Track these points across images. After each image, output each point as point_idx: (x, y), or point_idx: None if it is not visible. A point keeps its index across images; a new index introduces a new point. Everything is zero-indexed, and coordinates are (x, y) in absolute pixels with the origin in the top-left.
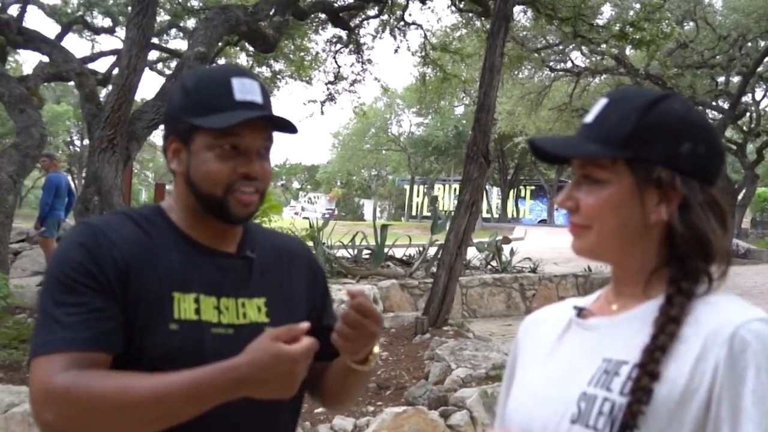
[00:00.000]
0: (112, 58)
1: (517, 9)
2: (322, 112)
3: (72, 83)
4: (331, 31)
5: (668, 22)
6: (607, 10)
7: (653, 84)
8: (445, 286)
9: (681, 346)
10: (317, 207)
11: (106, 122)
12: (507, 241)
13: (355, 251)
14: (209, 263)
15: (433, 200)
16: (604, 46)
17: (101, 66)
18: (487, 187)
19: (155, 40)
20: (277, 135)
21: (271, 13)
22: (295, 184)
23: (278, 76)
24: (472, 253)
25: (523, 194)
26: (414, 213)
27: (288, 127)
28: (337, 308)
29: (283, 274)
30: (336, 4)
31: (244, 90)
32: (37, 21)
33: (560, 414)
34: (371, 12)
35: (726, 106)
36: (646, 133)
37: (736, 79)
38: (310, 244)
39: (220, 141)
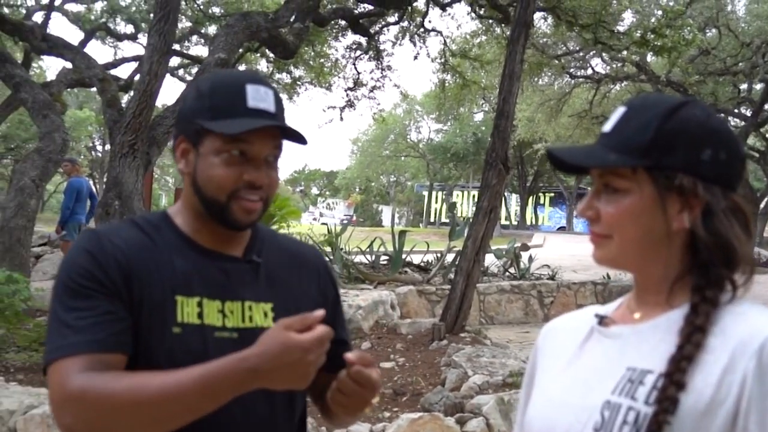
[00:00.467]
0: (134, 65)
1: (538, 16)
2: (342, 119)
3: (94, 89)
4: (351, 37)
5: (690, 29)
6: (628, 17)
7: (675, 91)
8: (463, 293)
9: (707, 357)
10: (335, 213)
11: (127, 127)
12: (525, 248)
13: (373, 257)
14: (214, 267)
15: (452, 207)
16: (625, 52)
17: (123, 72)
18: (506, 194)
19: (176, 47)
20: (294, 142)
21: (291, 20)
22: (314, 190)
23: (298, 83)
24: (490, 259)
25: (542, 201)
26: (432, 219)
27: (298, 137)
28: (354, 313)
29: (293, 279)
30: (356, 11)
31: (258, 97)
32: (61, 28)
33: (583, 422)
34: (391, 19)
35: (749, 113)
36: (667, 140)
37: (759, 86)
38: (328, 249)
39: (229, 146)
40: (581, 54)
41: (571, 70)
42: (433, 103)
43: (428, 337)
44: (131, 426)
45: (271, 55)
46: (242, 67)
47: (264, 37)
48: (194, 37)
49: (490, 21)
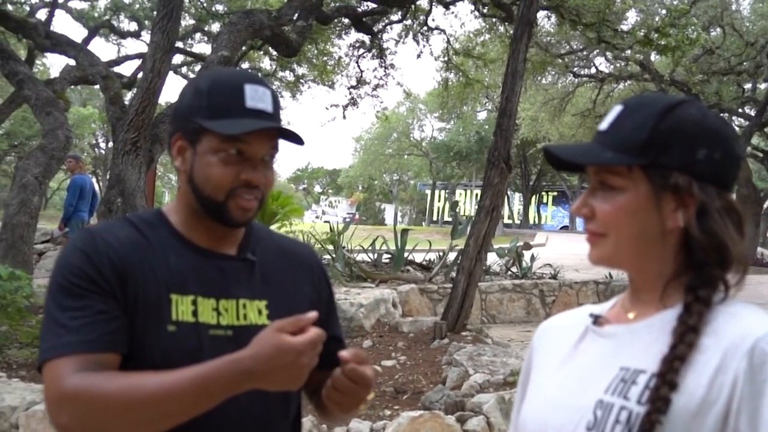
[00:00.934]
0: (137, 62)
1: (541, 14)
2: (345, 117)
3: (98, 86)
4: (354, 35)
5: (694, 28)
6: (632, 16)
7: (678, 90)
8: (464, 292)
9: (700, 357)
10: (338, 211)
11: (130, 125)
12: (528, 247)
13: (375, 255)
14: (208, 265)
15: (454, 205)
16: (628, 51)
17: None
18: (509, 192)
19: (180, 44)
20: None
21: (294, 18)
22: (317, 188)
23: (301, 81)
24: (492, 258)
25: (545, 200)
26: (435, 218)
27: (294, 138)
28: (356, 311)
29: (287, 277)
30: (359, 9)
31: (256, 97)
32: (64, 25)
33: (575, 421)
34: (394, 17)
35: (753, 113)
36: (662, 139)
37: (763, 85)
38: (331, 247)
39: (226, 146)
40: (585, 53)
41: (575, 69)
42: (436, 101)
43: (430, 335)
44: (126, 426)
45: (274, 53)
46: (245, 65)
47: (267, 35)
48: (197, 35)
49: (494, 19)
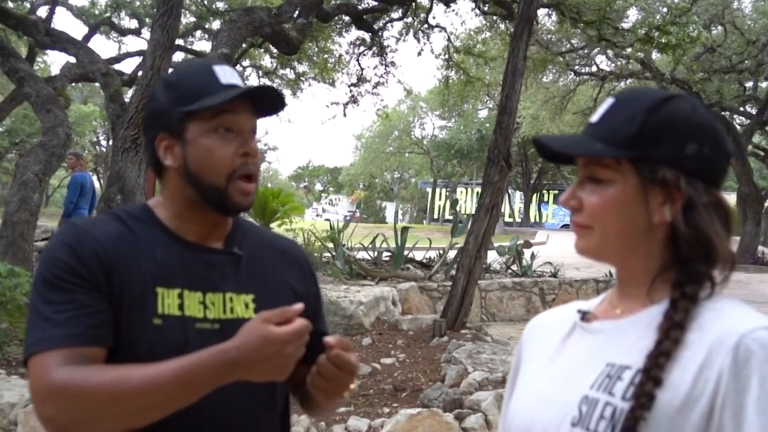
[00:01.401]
0: (137, 59)
1: (542, 12)
2: (345, 114)
3: (98, 84)
4: (354, 33)
5: (695, 26)
6: (632, 14)
7: (679, 89)
8: (464, 290)
9: (685, 353)
10: (339, 209)
11: (129, 122)
12: (528, 245)
13: (375, 253)
14: (195, 259)
15: (454, 203)
16: (629, 49)
17: (127, 67)
18: (509, 191)
19: (180, 42)
20: (297, 132)
21: (294, 15)
22: (318, 186)
23: (302, 78)
24: (492, 256)
25: (546, 199)
26: (436, 216)
27: (275, 103)
28: (356, 309)
29: (274, 271)
30: (360, 7)
31: (227, 75)
32: (65, 22)
33: (561, 417)
34: (395, 14)
35: (754, 111)
36: (652, 132)
37: (764, 84)
38: (331, 245)
39: (215, 123)
40: (585, 51)
41: (576, 67)
42: (437, 99)
43: (429, 333)
44: (113, 418)
45: (275, 50)
46: (246, 63)
47: (267, 32)
48: (198, 33)
49: (494, 17)
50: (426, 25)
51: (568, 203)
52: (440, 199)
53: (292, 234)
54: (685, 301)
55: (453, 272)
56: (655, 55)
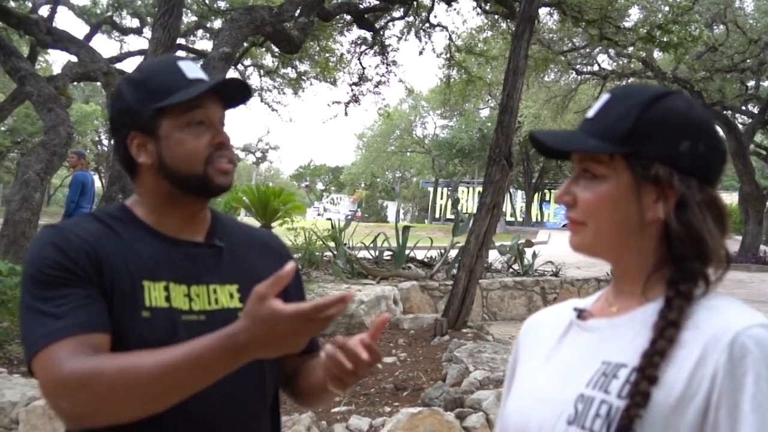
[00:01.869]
0: (139, 59)
1: (543, 11)
2: (347, 114)
3: (100, 83)
4: (356, 32)
5: (697, 25)
6: (634, 13)
7: (681, 88)
8: (465, 289)
9: (680, 351)
10: (340, 208)
11: None
12: (529, 244)
13: (377, 252)
14: (177, 253)
15: (455, 202)
16: (631, 48)
17: (129, 66)
18: (511, 190)
19: (182, 41)
20: (299, 131)
21: (296, 14)
22: (319, 185)
23: (303, 77)
24: (494, 256)
25: (547, 198)
26: (437, 215)
27: (242, 94)
28: (357, 308)
29: (256, 262)
30: (361, 6)
31: (193, 70)
32: (66, 21)
33: (557, 415)
34: (396, 13)
35: (756, 110)
36: (646, 129)
37: (766, 83)
38: (332, 244)
39: (188, 117)
40: (587, 50)
41: (577, 66)
42: (438, 98)
43: (430, 332)
44: (125, 406)
45: (276, 49)
46: (247, 62)
47: (269, 31)
48: (199, 32)
49: (496, 16)
50: (427, 24)
51: (563, 199)
52: (441, 199)
53: (294, 233)
54: (680, 299)
55: (454, 271)
56: (656, 54)
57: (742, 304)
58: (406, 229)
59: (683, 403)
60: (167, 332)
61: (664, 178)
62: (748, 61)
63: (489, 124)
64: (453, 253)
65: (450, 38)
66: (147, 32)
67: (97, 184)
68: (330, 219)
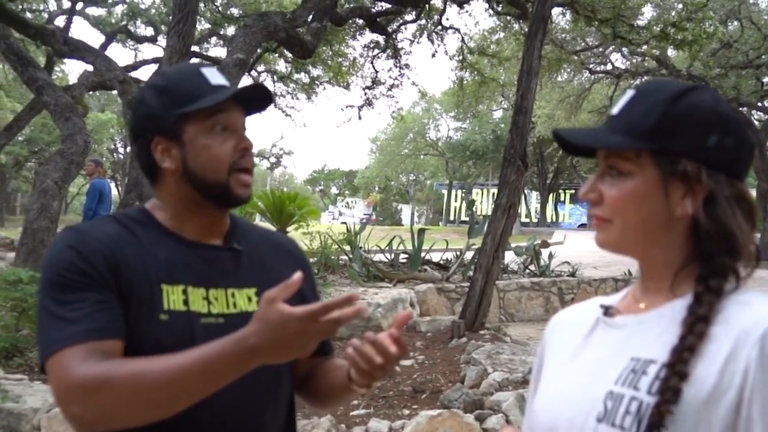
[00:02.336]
0: (154, 67)
1: (556, 11)
2: (360, 117)
3: (116, 91)
4: (368, 36)
5: (711, 22)
6: (647, 11)
7: None
8: (482, 290)
9: (711, 346)
10: (355, 212)
11: None
12: (545, 245)
13: (392, 255)
14: (196, 256)
15: (470, 204)
16: (645, 47)
17: (144, 74)
18: (526, 191)
19: (195, 48)
20: (312, 136)
21: (308, 20)
22: (334, 190)
23: (316, 82)
24: (510, 257)
25: (562, 198)
26: (452, 218)
27: (264, 101)
28: (374, 311)
29: (273, 265)
30: (373, 10)
31: (216, 77)
32: (82, 31)
33: (586, 412)
34: (409, 17)
35: None
36: (672, 124)
37: None
38: (348, 248)
39: (213, 121)
40: (600, 49)
41: (590, 65)
42: (451, 100)
43: (448, 334)
44: (137, 410)
45: (290, 54)
46: (261, 68)
47: (282, 36)
48: (213, 39)
49: (508, 17)
50: (440, 27)
51: (588, 196)
52: (456, 201)
53: (309, 237)
54: (710, 294)
55: (470, 273)
56: (671, 51)
57: None
58: (421, 231)
59: (715, 399)
60: (185, 335)
61: (693, 174)
62: (763, 57)
63: (502, 125)
64: (469, 255)
65: (462, 40)
66: (161, 40)
67: (114, 191)
68: (345, 223)
